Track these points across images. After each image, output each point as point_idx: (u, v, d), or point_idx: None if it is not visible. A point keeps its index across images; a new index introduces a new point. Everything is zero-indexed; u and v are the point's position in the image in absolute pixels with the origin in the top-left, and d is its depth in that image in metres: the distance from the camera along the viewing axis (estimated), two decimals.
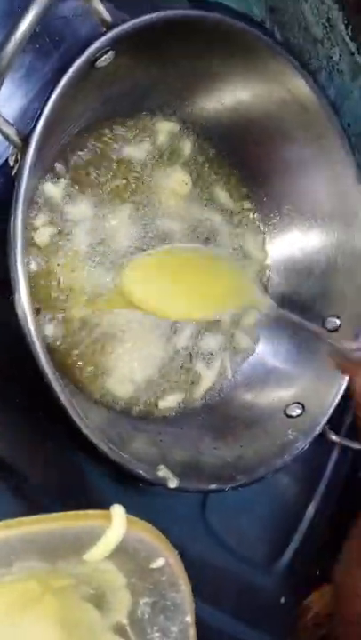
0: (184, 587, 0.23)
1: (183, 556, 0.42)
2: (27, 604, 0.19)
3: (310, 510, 0.51)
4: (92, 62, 0.29)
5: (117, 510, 0.21)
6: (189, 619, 0.23)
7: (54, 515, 0.19)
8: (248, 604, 0.45)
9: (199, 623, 0.41)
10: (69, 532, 0.19)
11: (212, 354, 0.41)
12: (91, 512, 0.20)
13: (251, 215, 0.43)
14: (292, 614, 0.48)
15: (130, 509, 0.40)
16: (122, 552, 0.20)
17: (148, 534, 0.21)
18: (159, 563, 0.22)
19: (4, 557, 0.18)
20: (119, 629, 0.22)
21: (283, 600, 0.48)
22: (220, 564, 0.45)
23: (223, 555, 0.45)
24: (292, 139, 0.40)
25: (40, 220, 0.35)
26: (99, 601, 0.22)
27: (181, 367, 0.39)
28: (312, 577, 0.49)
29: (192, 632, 0.23)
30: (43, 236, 0.34)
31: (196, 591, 0.40)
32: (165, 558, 0.22)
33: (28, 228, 0.34)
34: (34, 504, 0.35)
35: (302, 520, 0.50)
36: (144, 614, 0.22)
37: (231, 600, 0.44)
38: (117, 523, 0.20)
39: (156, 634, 0.22)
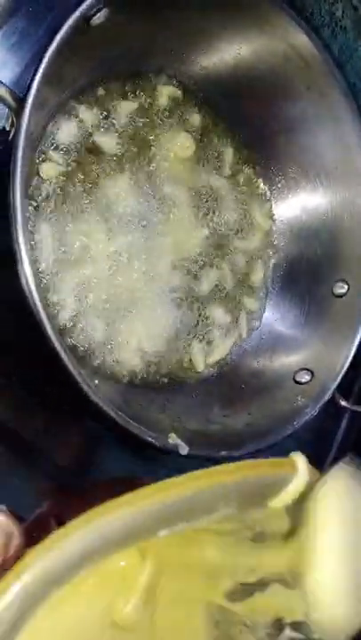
0: None
1: None
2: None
3: None
4: (86, 20, 0.28)
5: (301, 459, 0.21)
6: None
7: (242, 463, 0.20)
8: None
9: None
10: (259, 480, 0.20)
11: (223, 322, 0.40)
12: (275, 460, 0.21)
13: (256, 179, 0.42)
14: None
15: (140, 475, 0.40)
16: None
17: (314, 477, 0.21)
18: None
19: (202, 507, 0.18)
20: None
21: None
22: None
23: None
24: (295, 96, 0.39)
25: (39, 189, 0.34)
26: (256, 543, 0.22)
27: (193, 336, 0.39)
28: None
29: None
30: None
31: None
32: None
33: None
34: (47, 475, 0.35)
35: None
36: None
37: None
38: (302, 470, 0.20)
39: None
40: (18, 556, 0.18)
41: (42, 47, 0.37)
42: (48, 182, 0.33)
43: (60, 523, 0.21)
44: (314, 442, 0.50)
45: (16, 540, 0.19)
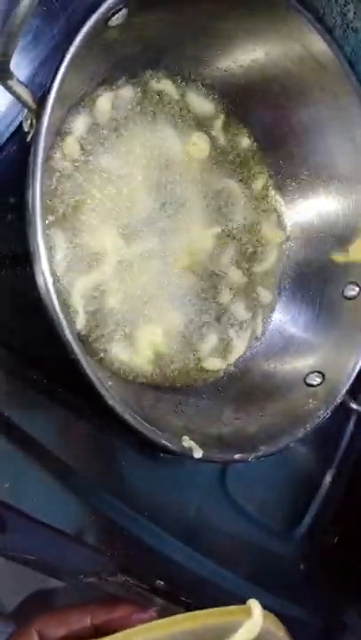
0: None
1: (203, 523, 0.42)
2: None
3: (328, 478, 0.51)
4: (104, 21, 0.28)
5: (256, 605, 0.23)
6: None
7: (201, 612, 0.22)
8: (268, 571, 0.46)
9: (218, 588, 0.42)
10: (214, 626, 0.22)
11: (238, 321, 0.40)
12: (232, 608, 0.23)
13: (269, 182, 0.42)
14: (312, 580, 0.48)
15: (153, 480, 0.40)
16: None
17: (274, 626, 0.23)
18: None
19: None
20: None
21: (302, 566, 0.49)
22: (239, 531, 0.45)
23: (243, 522, 0.45)
24: (308, 99, 0.38)
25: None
26: None
27: (208, 336, 0.39)
28: (330, 544, 0.50)
29: None
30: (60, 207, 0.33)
31: (216, 557, 0.41)
32: None
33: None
34: (59, 477, 0.35)
35: (320, 488, 0.51)
36: None
37: (251, 566, 0.45)
38: (256, 617, 0.23)
39: None
40: None
41: (57, 46, 0.37)
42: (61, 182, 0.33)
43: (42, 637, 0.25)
44: (321, 443, 0.51)
45: None
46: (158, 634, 0.21)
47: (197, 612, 0.22)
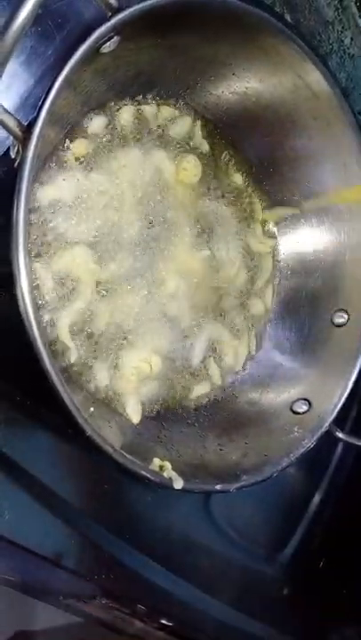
0: None
1: (187, 547, 0.42)
2: None
3: (315, 502, 0.51)
4: (96, 48, 0.28)
5: None
6: None
7: None
8: (251, 595, 0.45)
9: (201, 613, 0.41)
10: None
11: (228, 344, 0.40)
12: None
13: (260, 208, 0.42)
14: (296, 605, 0.48)
15: (135, 501, 0.40)
16: None
17: None
18: None
19: None
20: None
21: (286, 591, 0.48)
22: (223, 554, 0.45)
23: (227, 545, 0.45)
24: (302, 127, 0.39)
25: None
26: None
27: (191, 360, 0.39)
28: (316, 568, 0.49)
29: None
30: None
31: (199, 582, 0.41)
32: None
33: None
34: (39, 499, 0.35)
35: (307, 511, 0.50)
36: None
37: (234, 591, 0.44)
38: None
39: None
40: None
41: (52, 67, 0.37)
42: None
43: None
44: (310, 467, 0.50)
45: None
46: None
47: None
